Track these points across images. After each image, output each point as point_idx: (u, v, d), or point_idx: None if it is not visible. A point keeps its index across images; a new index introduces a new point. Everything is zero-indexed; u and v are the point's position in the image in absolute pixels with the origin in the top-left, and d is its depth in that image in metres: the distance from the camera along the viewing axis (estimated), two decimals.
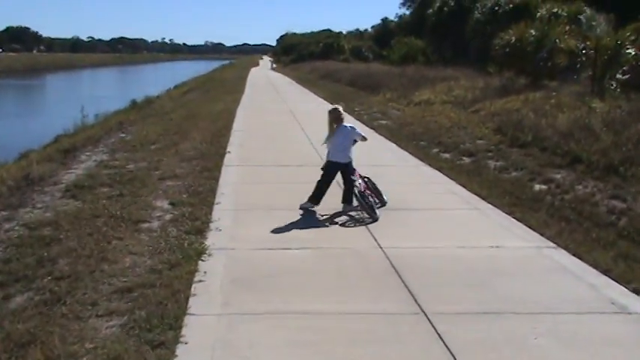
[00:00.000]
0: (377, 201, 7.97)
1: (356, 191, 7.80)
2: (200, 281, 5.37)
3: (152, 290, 5.11)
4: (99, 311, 4.78)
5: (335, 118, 7.98)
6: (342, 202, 7.88)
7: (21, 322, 4.56)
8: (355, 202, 7.82)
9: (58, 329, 4.44)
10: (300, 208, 7.81)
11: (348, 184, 7.89)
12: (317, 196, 7.85)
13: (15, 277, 5.41)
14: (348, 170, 7.91)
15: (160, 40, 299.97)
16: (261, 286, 5.32)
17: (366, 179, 8.18)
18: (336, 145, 7.95)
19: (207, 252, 6.09)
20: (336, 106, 8.24)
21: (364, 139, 8.19)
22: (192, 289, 5.19)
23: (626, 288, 5.42)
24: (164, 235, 6.60)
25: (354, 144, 8.05)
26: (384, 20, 68.12)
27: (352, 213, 7.72)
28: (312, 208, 7.81)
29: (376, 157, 11.66)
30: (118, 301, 4.98)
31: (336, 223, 7.40)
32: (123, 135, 14.67)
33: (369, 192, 7.96)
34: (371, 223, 7.34)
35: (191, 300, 4.96)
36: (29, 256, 5.90)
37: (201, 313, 4.77)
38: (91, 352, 4.16)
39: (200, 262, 5.82)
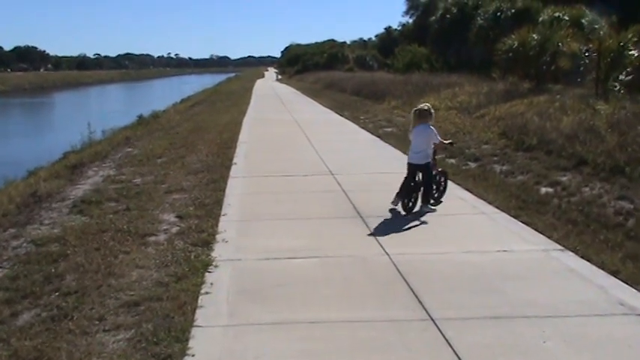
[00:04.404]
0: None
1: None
2: (206, 293, 5.37)
3: (159, 303, 5.12)
4: (106, 326, 4.78)
5: (414, 117, 8.11)
6: (421, 202, 8.12)
7: (28, 339, 4.57)
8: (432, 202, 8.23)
9: (66, 345, 4.45)
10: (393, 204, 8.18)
11: (426, 185, 8.05)
12: (399, 193, 8.12)
13: (22, 294, 5.43)
14: (425, 172, 8.05)
15: (165, 55, 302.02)
16: (267, 297, 5.32)
17: (439, 175, 8.56)
18: (412, 145, 8.13)
19: (213, 263, 6.10)
20: (422, 105, 8.27)
21: (443, 142, 8.37)
22: (199, 301, 5.19)
23: (635, 289, 5.37)
24: (171, 248, 6.62)
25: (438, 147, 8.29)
26: (388, 29, 68.26)
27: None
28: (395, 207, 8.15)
29: (382, 163, 11.70)
30: (124, 315, 4.99)
31: (343, 230, 7.37)
32: (129, 150, 14.75)
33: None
34: (377, 231, 7.35)
35: (198, 312, 4.97)
36: (36, 273, 5.92)
37: (207, 324, 4.77)
38: None
39: (207, 273, 5.83)
